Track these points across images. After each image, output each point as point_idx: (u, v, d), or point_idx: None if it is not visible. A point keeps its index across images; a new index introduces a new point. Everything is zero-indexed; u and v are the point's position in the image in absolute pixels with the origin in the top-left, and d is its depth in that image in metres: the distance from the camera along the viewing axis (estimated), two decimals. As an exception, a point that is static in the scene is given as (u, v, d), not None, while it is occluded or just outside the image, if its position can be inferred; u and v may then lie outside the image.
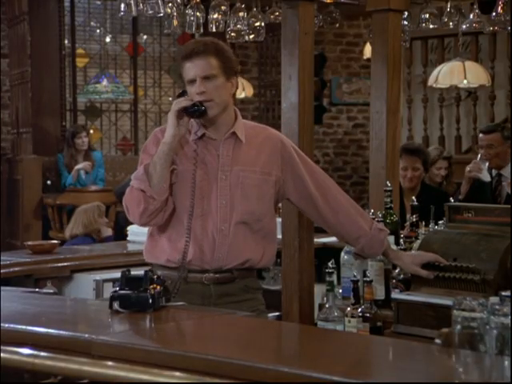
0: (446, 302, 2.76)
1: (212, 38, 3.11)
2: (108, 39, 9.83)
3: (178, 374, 2.08)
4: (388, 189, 3.61)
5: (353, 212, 3.14)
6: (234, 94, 3.11)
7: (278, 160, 3.07)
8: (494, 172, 5.53)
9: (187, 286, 3.01)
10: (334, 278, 3.41)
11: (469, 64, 7.38)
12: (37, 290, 3.62)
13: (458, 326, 2.13)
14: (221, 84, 2.99)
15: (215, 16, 4.74)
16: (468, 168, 5.38)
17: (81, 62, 9.67)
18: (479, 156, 5.45)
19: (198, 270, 3.01)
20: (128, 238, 5.04)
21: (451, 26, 4.79)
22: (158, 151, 2.97)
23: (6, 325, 2.42)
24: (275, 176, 3.07)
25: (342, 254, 3.45)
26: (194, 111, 2.96)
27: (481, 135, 5.61)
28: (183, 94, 3.03)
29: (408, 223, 3.85)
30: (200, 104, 2.96)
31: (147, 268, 2.81)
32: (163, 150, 2.96)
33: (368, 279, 3.08)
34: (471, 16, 4.77)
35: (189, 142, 3.05)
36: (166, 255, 3.03)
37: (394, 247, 3.29)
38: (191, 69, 2.98)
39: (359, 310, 3.01)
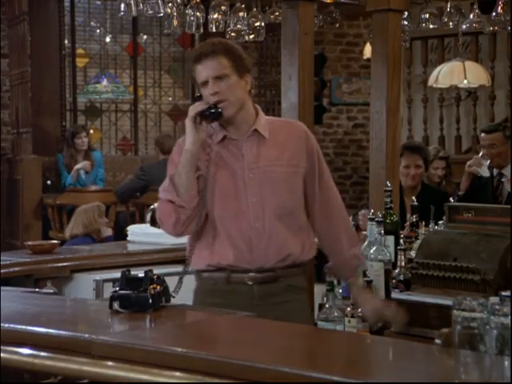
0: (446, 302, 2.76)
1: (220, 39, 3.10)
2: (108, 39, 9.83)
3: (177, 374, 2.08)
4: (388, 189, 3.61)
5: (341, 227, 3.11)
6: (250, 92, 3.08)
7: (303, 151, 3.05)
8: (495, 171, 5.53)
9: (230, 286, 2.98)
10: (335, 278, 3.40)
11: (469, 64, 7.38)
12: (37, 289, 3.62)
13: (458, 326, 2.13)
14: (234, 83, 2.96)
15: (215, 16, 4.75)
16: (468, 163, 5.38)
17: (81, 62, 9.66)
18: (481, 153, 5.46)
19: (240, 270, 2.98)
20: (128, 238, 5.04)
21: (451, 26, 4.80)
22: (181, 160, 2.95)
23: (6, 325, 2.42)
24: (303, 168, 3.04)
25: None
26: (210, 114, 2.93)
27: (482, 135, 5.61)
28: (199, 98, 3.01)
29: (408, 223, 3.85)
30: (215, 106, 2.93)
31: (147, 268, 2.81)
32: (186, 158, 2.94)
33: (368, 279, 3.08)
34: (471, 16, 4.78)
35: (211, 146, 3.02)
36: (205, 261, 3.01)
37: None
38: (202, 71, 2.96)
39: (359, 309, 3.01)
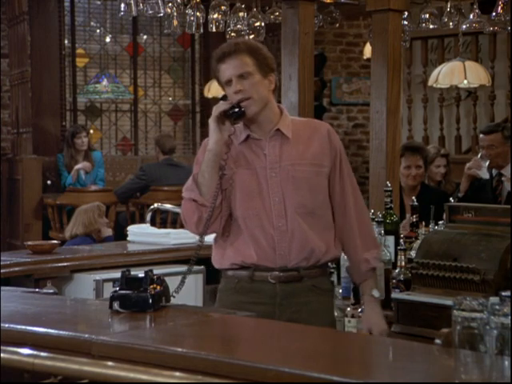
0: (446, 302, 2.76)
1: (244, 39, 3.11)
2: (108, 39, 9.82)
3: (178, 374, 2.08)
4: (388, 189, 3.61)
5: (356, 231, 3.07)
6: (274, 91, 3.07)
7: (327, 150, 3.04)
8: (494, 172, 5.53)
9: (254, 284, 2.99)
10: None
11: (469, 64, 7.37)
12: (37, 290, 3.62)
13: (458, 326, 2.13)
14: (257, 81, 2.97)
15: (215, 16, 4.75)
16: (468, 165, 5.38)
17: (81, 62, 9.66)
18: (480, 154, 5.46)
19: (263, 268, 2.98)
20: (128, 238, 5.04)
21: (451, 26, 4.80)
22: (205, 159, 2.95)
23: (6, 325, 2.42)
24: (327, 167, 3.04)
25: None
26: (233, 113, 2.93)
27: (481, 136, 5.61)
28: (224, 98, 3.02)
29: (404, 221, 3.84)
30: (238, 106, 2.94)
31: (147, 268, 2.81)
32: (209, 158, 2.94)
33: (368, 279, 3.07)
34: (471, 16, 4.78)
35: (235, 146, 3.02)
36: (229, 260, 3.02)
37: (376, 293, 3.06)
38: (226, 70, 2.97)
39: (359, 310, 3.01)
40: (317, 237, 3.00)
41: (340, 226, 3.07)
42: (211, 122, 2.94)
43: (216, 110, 2.94)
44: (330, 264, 3.10)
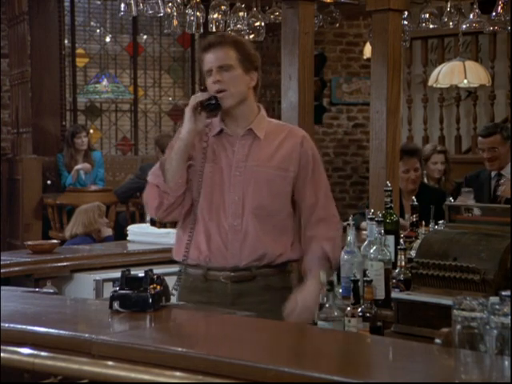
0: (446, 301, 2.76)
1: (231, 33, 3.12)
2: (108, 39, 9.82)
3: (178, 373, 2.08)
4: (388, 189, 3.61)
5: (319, 237, 3.06)
6: (256, 89, 3.07)
7: (296, 156, 3.04)
8: (493, 173, 5.53)
9: (207, 284, 3.00)
10: (334, 277, 3.41)
11: (469, 64, 7.38)
12: (37, 289, 3.62)
13: (458, 326, 2.13)
14: (237, 75, 2.98)
15: (215, 16, 4.75)
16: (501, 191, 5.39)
17: (81, 62, 9.66)
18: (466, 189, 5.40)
19: (217, 267, 2.99)
20: (128, 238, 5.04)
21: (451, 26, 4.80)
22: (175, 147, 2.98)
23: (6, 324, 2.42)
24: (293, 172, 3.04)
25: (342, 253, 3.45)
26: (209, 105, 2.94)
27: (481, 139, 5.60)
28: (204, 90, 3.03)
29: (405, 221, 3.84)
30: (216, 98, 2.95)
31: (147, 268, 2.81)
32: (179, 146, 2.97)
33: (368, 279, 3.08)
34: (471, 16, 4.78)
35: (206, 138, 3.03)
36: (183, 251, 3.03)
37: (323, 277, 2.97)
38: (208, 60, 2.99)
39: (359, 309, 3.01)
40: (271, 240, 3.00)
41: (305, 223, 3.06)
42: (187, 111, 2.96)
43: (193, 99, 2.96)
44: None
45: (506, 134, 5.56)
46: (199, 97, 2.96)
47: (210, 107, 2.95)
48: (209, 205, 2.99)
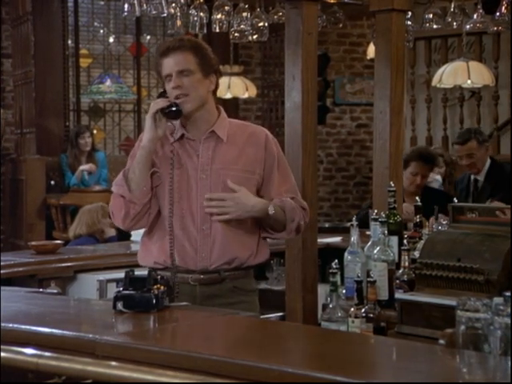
0: (450, 302, 2.75)
1: (190, 36, 3.12)
2: (111, 39, 9.82)
3: (181, 374, 2.08)
4: (391, 189, 3.60)
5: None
6: (215, 92, 3.08)
7: (261, 158, 3.05)
8: (472, 177, 5.57)
9: (175, 286, 2.98)
10: (338, 278, 3.41)
11: (472, 64, 7.36)
12: (41, 290, 3.63)
13: (462, 327, 2.13)
14: (197, 80, 2.97)
15: (219, 16, 4.74)
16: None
17: (84, 63, 9.67)
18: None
19: (184, 270, 3.00)
20: (131, 239, 5.05)
21: (455, 26, 4.80)
22: (137, 155, 2.97)
23: (10, 325, 2.43)
24: (258, 175, 3.05)
25: (346, 254, 3.45)
26: (170, 112, 2.94)
27: (457, 147, 5.62)
28: (163, 94, 3.02)
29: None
30: (176, 104, 2.94)
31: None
32: (141, 154, 2.95)
33: (371, 279, 3.08)
34: (475, 16, 4.78)
35: (169, 144, 3.03)
36: (153, 258, 3.04)
37: None
38: (167, 65, 2.98)
39: (363, 310, 3.01)
40: (240, 243, 3.01)
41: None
42: (148, 118, 2.95)
43: (153, 106, 2.95)
44: (333, 265, 3.09)
45: (481, 138, 5.58)
46: (159, 103, 2.95)
47: (172, 114, 2.94)
48: (176, 211, 2.98)
